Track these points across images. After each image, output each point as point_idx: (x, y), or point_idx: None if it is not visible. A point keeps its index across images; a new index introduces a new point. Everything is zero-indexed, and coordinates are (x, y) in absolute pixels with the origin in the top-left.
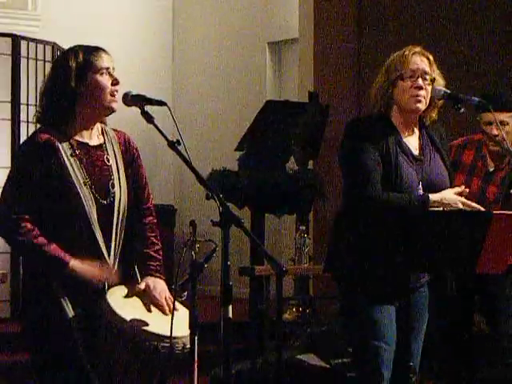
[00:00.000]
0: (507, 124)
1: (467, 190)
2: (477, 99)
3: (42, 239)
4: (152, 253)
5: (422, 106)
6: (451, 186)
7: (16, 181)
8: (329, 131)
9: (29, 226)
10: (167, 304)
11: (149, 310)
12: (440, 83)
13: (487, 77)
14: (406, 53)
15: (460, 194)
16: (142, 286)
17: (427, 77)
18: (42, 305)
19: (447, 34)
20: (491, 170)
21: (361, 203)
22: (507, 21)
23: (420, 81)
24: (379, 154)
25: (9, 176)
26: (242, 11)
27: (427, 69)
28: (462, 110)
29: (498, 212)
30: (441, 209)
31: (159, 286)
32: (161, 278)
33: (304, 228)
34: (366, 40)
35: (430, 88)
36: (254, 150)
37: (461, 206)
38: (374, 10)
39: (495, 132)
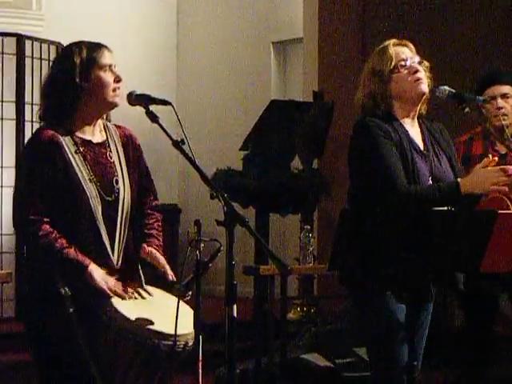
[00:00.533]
0: (511, 97)
1: (496, 158)
2: (482, 98)
3: (62, 241)
4: (154, 233)
5: (425, 88)
6: None
7: (27, 182)
8: (333, 130)
9: (48, 227)
10: (170, 274)
11: (150, 309)
12: (426, 65)
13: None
14: (387, 45)
15: (487, 166)
16: (146, 250)
17: (416, 60)
18: (44, 305)
19: (453, 33)
20: (503, 152)
21: (391, 198)
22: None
23: (414, 65)
24: (396, 149)
25: (18, 178)
26: (247, 10)
27: (412, 55)
28: (467, 109)
29: (503, 211)
30: (445, 208)
31: (160, 256)
32: (160, 253)
33: (309, 227)
34: (370, 39)
35: (422, 69)
36: (259, 150)
37: (496, 178)
38: (378, 10)
39: (500, 104)
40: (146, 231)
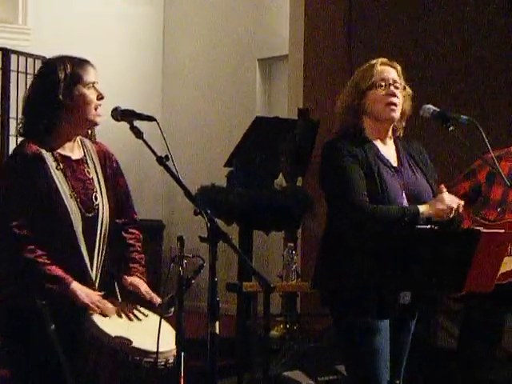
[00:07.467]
0: None
1: (442, 186)
2: (465, 117)
3: (44, 259)
4: (137, 257)
5: (395, 115)
6: None
7: (13, 197)
8: (318, 148)
9: (33, 245)
10: (155, 298)
11: (130, 326)
12: (408, 93)
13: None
14: (374, 63)
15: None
16: (128, 280)
17: (398, 85)
18: (23, 321)
19: (441, 54)
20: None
21: (351, 215)
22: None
23: (392, 88)
24: (362, 169)
25: (4, 192)
26: (232, 28)
27: (397, 78)
28: (451, 127)
29: (486, 231)
30: (429, 226)
31: (142, 283)
32: (143, 280)
33: (292, 245)
34: (356, 57)
35: (401, 95)
36: (243, 166)
37: (451, 203)
38: (363, 28)
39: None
40: (127, 254)
